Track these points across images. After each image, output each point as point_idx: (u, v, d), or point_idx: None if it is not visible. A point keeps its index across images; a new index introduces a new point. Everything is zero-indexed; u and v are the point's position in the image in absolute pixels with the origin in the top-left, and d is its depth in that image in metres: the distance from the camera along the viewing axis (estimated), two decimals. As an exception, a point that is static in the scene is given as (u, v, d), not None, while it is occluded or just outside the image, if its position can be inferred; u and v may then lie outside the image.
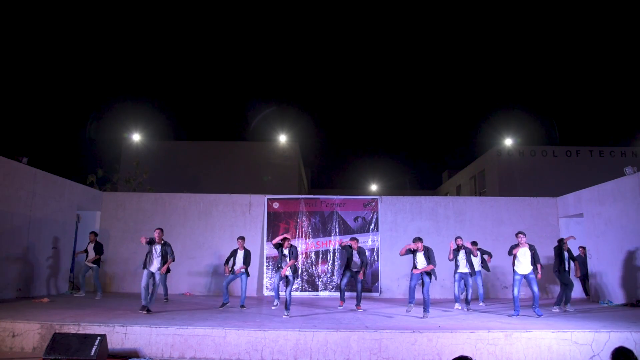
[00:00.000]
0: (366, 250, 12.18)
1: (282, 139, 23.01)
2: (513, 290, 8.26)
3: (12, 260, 9.66)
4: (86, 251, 10.60)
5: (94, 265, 10.45)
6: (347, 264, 9.26)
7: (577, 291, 9.17)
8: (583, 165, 21.90)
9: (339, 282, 9.79)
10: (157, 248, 8.20)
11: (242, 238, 9.45)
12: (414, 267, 8.36)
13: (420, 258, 8.34)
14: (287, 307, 7.85)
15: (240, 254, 9.28)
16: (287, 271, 8.24)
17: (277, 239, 8.55)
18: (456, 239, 9.73)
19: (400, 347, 6.25)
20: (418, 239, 8.37)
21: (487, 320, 7.60)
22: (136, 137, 21.43)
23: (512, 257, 8.51)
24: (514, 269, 8.45)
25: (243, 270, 9.24)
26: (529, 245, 8.30)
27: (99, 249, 10.53)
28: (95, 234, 10.81)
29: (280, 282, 8.88)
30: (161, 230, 8.30)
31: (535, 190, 18.97)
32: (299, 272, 12.06)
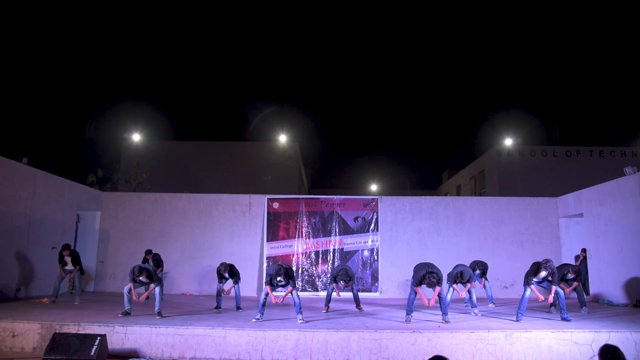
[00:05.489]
0: (365, 250, 12.27)
1: (282, 139, 23.01)
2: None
3: (12, 260, 9.66)
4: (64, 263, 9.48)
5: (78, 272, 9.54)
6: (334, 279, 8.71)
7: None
8: (583, 165, 21.88)
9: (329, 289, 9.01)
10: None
11: (227, 267, 8.88)
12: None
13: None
14: (298, 312, 7.35)
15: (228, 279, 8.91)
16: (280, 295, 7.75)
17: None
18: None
19: (400, 347, 6.25)
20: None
21: (487, 320, 7.59)
22: (136, 137, 21.43)
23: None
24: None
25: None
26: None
27: (76, 259, 9.50)
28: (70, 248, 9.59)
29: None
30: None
31: (535, 190, 18.97)
32: (298, 272, 12.07)
